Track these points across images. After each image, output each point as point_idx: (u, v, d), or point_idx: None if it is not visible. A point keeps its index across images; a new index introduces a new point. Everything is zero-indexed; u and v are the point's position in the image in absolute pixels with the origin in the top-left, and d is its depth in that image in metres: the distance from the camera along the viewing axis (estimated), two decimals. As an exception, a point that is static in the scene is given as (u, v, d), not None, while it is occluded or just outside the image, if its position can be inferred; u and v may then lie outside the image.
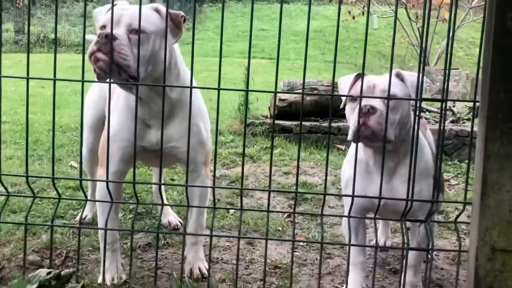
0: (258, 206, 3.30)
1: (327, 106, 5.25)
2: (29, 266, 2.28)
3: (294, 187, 3.73)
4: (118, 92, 1.95)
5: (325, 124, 5.15)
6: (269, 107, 5.57)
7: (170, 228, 2.78)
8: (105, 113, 2.38)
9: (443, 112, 1.59)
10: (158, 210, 3.00)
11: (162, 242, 2.56)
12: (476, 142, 1.55)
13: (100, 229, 1.94)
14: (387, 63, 15.13)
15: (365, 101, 1.77)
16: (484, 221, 1.48)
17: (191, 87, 1.69)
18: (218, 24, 16.35)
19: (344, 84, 1.99)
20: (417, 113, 1.63)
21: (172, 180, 3.69)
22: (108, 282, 1.84)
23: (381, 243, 2.70)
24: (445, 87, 1.60)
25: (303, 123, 5.14)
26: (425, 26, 1.59)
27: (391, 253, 2.62)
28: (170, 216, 2.83)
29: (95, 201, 1.96)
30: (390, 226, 2.87)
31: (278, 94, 5.39)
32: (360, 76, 1.97)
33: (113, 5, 1.70)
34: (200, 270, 2.15)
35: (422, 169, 1.85)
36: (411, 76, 1.90)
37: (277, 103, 5.30)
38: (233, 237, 2.52)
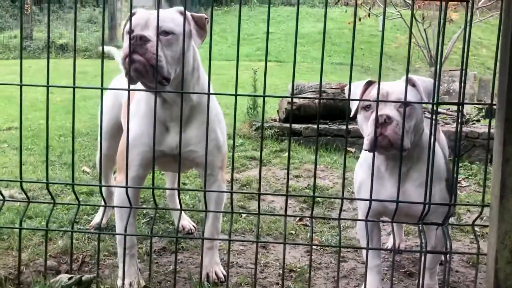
0: (270, 209, 3.31)
1: (336, 109, 5.26)
2: (47, 271, 2.31)
3: (306, 190, 3.75)
4: (138, 97, 1.97)
5: (334, 127, 5.15)
6: (277, 110, 5.58)
7: (184, 233, 2.80)
8: (120, 119, 2.41)
9: (459, 115, 1.59)
10: (171, 214, 3.01)
11: (177, 247, 2.58)
12: (493, 145, 1.55)
13: (119, 234, 1.95)
14: (393, 64, 15.12)
15: (380, 111, 1.77)
16: (503, 224, 1.49)
17: (208, 93, 1.71)
18: (223, 27, 16.40)
19: (354, 91, 1.97)
20: (434, 117, 1.63)
21: (184, 184, 3.71)
22: (127, 287, 1.86)
23: (396, 244, 2.70)
24: (462, 90, 1.60)
25: (312, 126, 5.15)
26: (441, 31, 1.60)
27: (406, 256, 2.62)
28: (185, 221, 2.84)
29: (114, 206, 1.98)
30: (403, 229, 2.88)
31: (287, 98, 5.41)
32: (371, 83, 1.97)
33: (131, 14, 1.72)
34: (216, 274, 2.17)
35: (434, 173, 1.85)
36: (422, 81, 1.89)
37: (286, 106, 5.31)
38: (250, 241, 2.54)
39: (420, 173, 1.87)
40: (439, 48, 1.60)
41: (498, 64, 1.55)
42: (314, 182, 1.76)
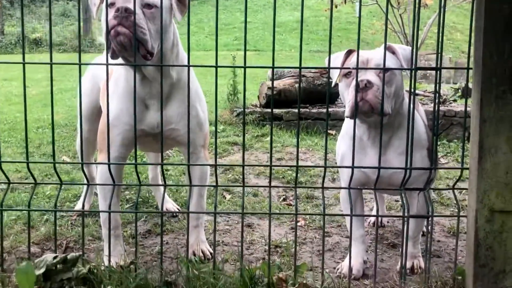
0: (254, 191, 3.32)
1: (315, 93, 5.30)
2: (32, 257, 2.28)
3: (289, 171, 3.76)
4: (116, 76, 1.95)
5: (315, 110, 5.18)
6: (258, 96, 5.59)
7: (169, 215, 2.79)
8: (99, 102, 2.38)
9: (438, 79, 1.62)
10: (155, 199, 3.00)
11: (163, 228, 2.57)
12: (471, 108, 1.58)
13: (103, 212, 1.94)
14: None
15: (361, 76, 1.79)
16: (482, 184, 1.52)
17: (188, 66, 1.70)
18: (199, 17, 16.29)
19: (335, 61, 1.99)
20: (413, 83, 1.66)
21: (167, 171, 3.69)
22: (114, 265, 1.85)
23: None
24: (439, 55, 1.63)
25: (293, 110, 5.17)
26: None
27: (389, 228, 2.67)
28: (168, 204, 2.83)
29: (96, 184, 1.96)
30: (385, 204, 2.92)
31: (267, 83, 5.41)
32: (350, 52, 1.99)
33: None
34: (203, 252, 2.17)
35: (415, 141, 1.88)
36: (402, 48, 1.92)
37: (266, 91, 5.32)
38: (236, 213, 2.55)
39: (402, 141, 1.89)
40: (415, 18, 1.62)
41: (473, 29, 1.58)
42: (297, 152, 1.76)
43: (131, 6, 1.70)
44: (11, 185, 1.99)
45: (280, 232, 2.60)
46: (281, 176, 3.70)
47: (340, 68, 1.88)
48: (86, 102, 2.45)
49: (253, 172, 3.78)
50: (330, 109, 5.14)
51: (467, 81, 1.69)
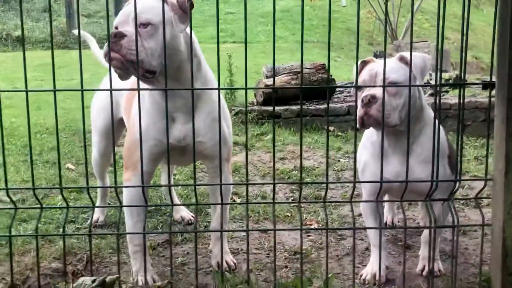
0: (261, 193, 3.36)
1: (313, 90, 5.33)
2: (54, 273, 2.29)
3: (293, 172, 3.81)
4: (142, 91, 1.95)
5: (312, 107, 5.23)
6: (254, 94, 5.60)
7: (184, 223, 2.82)
8: (118, 118, 2.38)
9: (462, 94, 1.67)
10: (167, 208, 3.02)
11: (181, 238, 2.60)
12: (495, 122, 1.64)
13: (111, 234, 1.96)
14: (356, 39, 15.26)
15: (368, 91, 1.85)
16: (509, 195, 1.58)
17: (219, 88, 1.71)
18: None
19: (354, 71, 2.02)
20: (438, 99, 1.70)
21: (174, 175, 3.71)
22: (150, 283, 1.87)
23: (388, 220, 2.81)
24: (462, 70, 1.68)
25: (291, 107, 5.21)
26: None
27: (401, 229, 2.74)
28: (183, 212, 2.86)
29: (99, 206, 1.96)
30: (396, 205, 2.99)
31: (264, 80, 5.43)
32: (365, 63, 2.03)
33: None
34: (227, 263, 2.21)
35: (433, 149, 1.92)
36: (417, 57, 1.94)
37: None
38: (241, 230, 2.59)
39: (423, 148, 1.94)
40: (438, 32, 1.66)
41: (495, 43, 1.63)
42: (301, 170, 1.79)
43: (127, 28, 1.73)
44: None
45: (296, 237, 2.65)
46: (286, 177, 3.75)
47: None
48: (102, 117, 2.44)
49: (258, 174, 3.82)
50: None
51: (490, 80, 1.71)
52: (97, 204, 2.80)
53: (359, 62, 2.03)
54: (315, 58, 9.00)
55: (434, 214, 1.75)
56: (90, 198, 1.98)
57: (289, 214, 2.97)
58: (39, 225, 2.75)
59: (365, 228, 1.96)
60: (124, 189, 1.99)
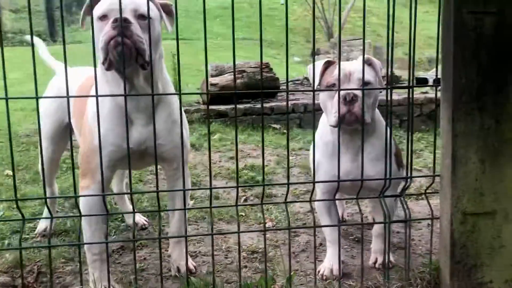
0: (214, 195, 3.38)
1: (256, 87, 5.40)
2: (2, 287, 2.19)
3: (244, 171, 3.85)
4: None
5: (259, 105, 5.30)
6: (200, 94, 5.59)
7: (138, 228, 2.79)
8: (65, 122, 2.31)
9: (411, 97, 1.77)
10: (119, 212, 2.97)
11: (136, 244, 2.56)
12: (441, 122, 1.76)
13: (69, 245, 1.91)
14: (294, 37, 15.57)
15: (344, 90, 1.92)
16: (456, 190, 1.71)
17: (180, 94, 1.71)
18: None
19: (314, 71, 2.08)
20: (390, 101, 1.80)
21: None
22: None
23: (339, 215, 2.92)
24: (412, 74, 1.79)
25: (238, 106, 5.25)
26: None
27: (350, 223, 2.86)
28: (136, 216, 2.82)
29: (59, 217, 1.91)
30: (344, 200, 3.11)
31: (209, 79, 5.43)
32: (329, 63, 2.10)
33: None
34: (187, 266, 2.21)
35: (384, 148, 2.03)
36: (376, 61, 2.07)
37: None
38: (206, 234, 2.60)
39: (373, 147, 2.05)
40: (389, 39, 1.75)
41: (439, 52, 1.74)
42: (263, 172, 1.85)
43: (127, 17, 1.69)
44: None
45: (252, 236, 2.69)
46: (242, 179, 3.78)
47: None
48: (52, 121, 2.36)
49: (208, 174, 3.83)
50: (272, 104, 5.27)
51: (437, 83, 1.84)
52: (44, 213, 2.70)
53: (322, 62, 2.09)
54: (259, 56, 9.08)
55: (388, 210, 1.85)
56: (49, 209, 1.92)
57: (243, 214, 3.01)
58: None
59: (325, 226, 2.03)
60: (81, 199, 1.93)
